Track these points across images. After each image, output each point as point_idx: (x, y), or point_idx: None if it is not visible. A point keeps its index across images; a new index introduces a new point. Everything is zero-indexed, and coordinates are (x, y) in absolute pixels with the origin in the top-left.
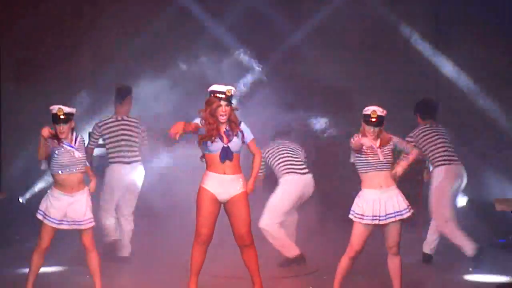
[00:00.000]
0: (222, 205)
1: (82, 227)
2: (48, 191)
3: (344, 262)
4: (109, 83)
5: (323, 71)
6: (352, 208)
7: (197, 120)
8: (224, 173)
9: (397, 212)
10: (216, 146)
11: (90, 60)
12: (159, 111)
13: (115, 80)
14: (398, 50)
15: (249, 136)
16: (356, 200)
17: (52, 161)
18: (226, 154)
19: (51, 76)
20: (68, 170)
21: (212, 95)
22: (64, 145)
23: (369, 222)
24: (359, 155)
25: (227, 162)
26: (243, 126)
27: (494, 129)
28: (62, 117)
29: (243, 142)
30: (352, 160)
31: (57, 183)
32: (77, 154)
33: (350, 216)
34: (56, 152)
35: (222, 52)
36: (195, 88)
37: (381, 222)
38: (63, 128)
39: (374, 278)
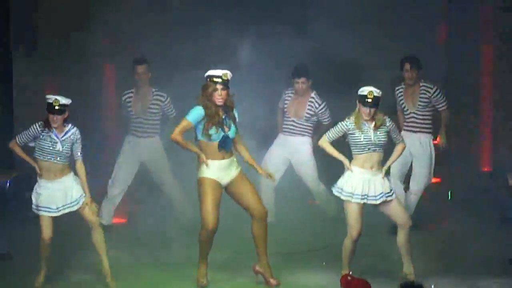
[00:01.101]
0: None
1: (75, 208)
2: (35, 186)
3: (347, 245)
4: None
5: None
6: (339, 186)
7: (187, 118)
8: (223, 158)
9: (386, 193)
10: (217, 135)
11: (106, 34)
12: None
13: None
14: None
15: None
16: (346, 178)
17: (36, 143)
18: (226, 143)
19: (65, 51)
20: (47, 158)
21: (208, 80)
22: (51, 133)
23: (359, 201)
24: (353, 136)
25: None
26: (236, 111)
27: None
28: (56, 107)
29: (237, 127)
30: (346, 139)
31: (40, 170)
32: (59, 146)
33: (336, 193)
34: (42, 136)
35: (228, 28)
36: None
37: (369, 202)
38: (56, 118)
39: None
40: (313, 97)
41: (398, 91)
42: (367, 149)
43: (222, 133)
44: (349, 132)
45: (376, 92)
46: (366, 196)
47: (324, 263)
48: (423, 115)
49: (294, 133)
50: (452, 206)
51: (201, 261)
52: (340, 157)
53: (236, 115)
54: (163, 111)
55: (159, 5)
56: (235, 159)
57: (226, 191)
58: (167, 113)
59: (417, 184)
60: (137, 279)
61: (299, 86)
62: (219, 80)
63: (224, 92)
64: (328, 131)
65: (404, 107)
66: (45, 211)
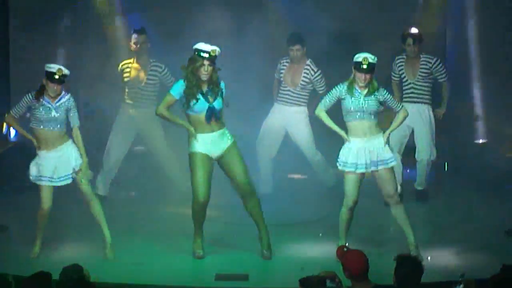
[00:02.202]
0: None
1: (70, 180)
2: (35, 158)
3: (343, 214)
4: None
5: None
6: (339, 157)
7: (170, 92)
8: (213, 131)
9: (383, 160)
10: (201, 106)
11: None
12: None
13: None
14: None
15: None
16: (342, 149)
17: (31, 115)
18: (212, 113)
19: (58, 25)
20: (43, 126)
21: (196, 53)
22: (43, 101)
23: (352, 170)
24: (344, 102)
25: (213, 120)
26: (223, 85)
27: None
28: (57, 77)
29: (224, 100)
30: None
31: (37, 140)
32: (54, 113)
33: (340, 168)
34: (35, 105)
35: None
36: None
37: (367, 170)
38: (57, 87)
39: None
40: (308, 65)
41: (398, 61)
42: (356, 116)
43: (207, 104)
44: (341, 97)
45: (371, 58)
46: (355, 165)
47: (320, 234)
48: (422, 85)
49: (290, 102)
50: (448, 177)
51: (196, 233)
52: (336, 128)
53: (223, 87)
54: (161, 81)
55: None
56: (226, 132)
57: (218, 163)
58: (166, 84)
59: (423, 154)
60: (132, 252)
61: (294, 53)
62: (207, 55)
63: (210, 68)
64: (323, 99)
65: (404, 78)
66: (48, 180)
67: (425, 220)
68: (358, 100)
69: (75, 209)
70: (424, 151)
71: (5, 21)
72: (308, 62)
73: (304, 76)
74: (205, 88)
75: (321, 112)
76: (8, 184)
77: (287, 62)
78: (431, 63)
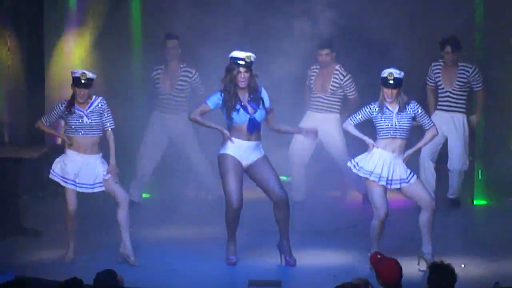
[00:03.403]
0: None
1: (89, 191)
2: (61, 155)
3: (375, 225)
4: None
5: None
6: (358, 163)
7: (207, 101)
8: (249, 140)
9: (402, 179)
10: (242, 118)
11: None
12: None
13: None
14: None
15: (268, 101)
16: (367, 156)
17: (65, 123)
18: (254, 125)
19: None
20: (76, 133)
21: (231, 62)
22: (74, 109)
23: (376, 180)
24: (376, 120)
25: (255, 131)
26: (264, 92)
27: None
28: (83, 81)
29: (265, 109)
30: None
31: (70, 143)
32: (86, 119)
33: (354, 170)
34: (66, 114)
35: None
36: None
37: (392, 186)
38: (83, 92)
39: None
40: (337, 69)
41: (435, 68)
42: (389, 133)
43: (248, 115)
44: (373, 116)
45: (397, 73)
46: (385, 179)
47: (352, 241)
48: (458, 94)
49: (321, 109)
50: (481, 185)
51: (229, 239)
52: (363, 136)
53: (265, 97)
54: (192, 87)
55: None
56: (261, 145)
57: (248, 173)
58: (196, 89)
59: (456, 164)
60: (165, 258)
61: (322, 58)
62: (242, 62)
63: (247, 75)
64: (353, 114)
65: (440, 85)
66: (70, 184)
67: (456, 228)
68: (390, 118)
69: (107, 214)
70: (458, 161)
71: (40, 26)
72: (337, 67)
73: (333, 81)
74: (245, 98)
75: (348, 125)
76: (43, 190)
77: (316, 68)
78: (469, 72)
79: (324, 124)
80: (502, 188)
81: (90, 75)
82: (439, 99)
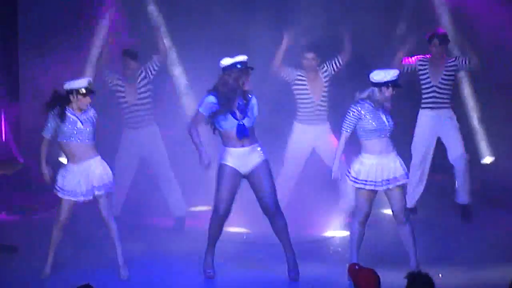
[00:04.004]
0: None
1: (91, 196)
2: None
3: (354, 229)
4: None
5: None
6: (349, 170)
7: (200, 110)
8: (243, 146)
9: (394, 178)
10: (230, 124)
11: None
12: None
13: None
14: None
15: (256, 112)
16: (354, 163)
17: (58, 130)
18: (242, 131)
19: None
20: (70, 139)
21: (229, 69)
22: (68, 114)
23: (363, 186)
24: (363, 123)
25: (245, 137)
26: (254, 98)
27: None
28: (89, 90)
29: (254, 114)
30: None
31: (65, 154)
32: (79, 124)
33: (346, 177)
34: (61, 120)
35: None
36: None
37: (376, 188)
38: (89, 100)
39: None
40: (323, 72)
41: (420, 64)
42: (377, 135)
43: (236, 121)
44: (360, 118)
45: (393, 73)
46: (373, 183)
47: (331, 252)
48: (445, 88)
49: (315, 119)
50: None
51: (208, 249)
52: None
53: (254, 104)
54: (149, 75)
55: None
56: (258, 148)
57: (248, 180)
58: (151, 71)
59: (459, 160)
60: (147, 272)
61: (308, 63)
62: (243, 66)
63: (248, 77)
64: (343, 124)
65: (426, 81)
66: (69, 194)
67: (433, 238)
68: (380, 119)
69: (88, 227)
70: (459, 156)
71: (15, 40)
72: (317, 68)
73: (325, 80)
74: (236, 103)
75: (342, 141)
76: (18, 205)
77: (302, 76)
78: (454, 62)
79: (319, 132)
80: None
81: (91, 79)
82: (425, 95)
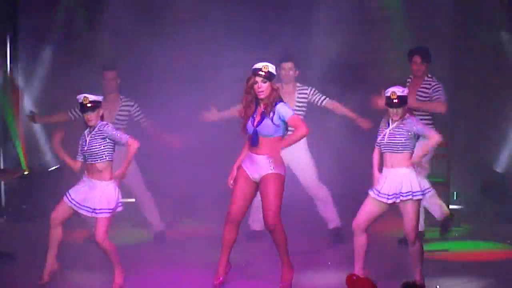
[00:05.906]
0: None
1: (89, 214)
2: None
3: (355, 238)
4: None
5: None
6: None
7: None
8: (256, 153)
9: (399, 194)
10: (248, 130)
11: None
12: None
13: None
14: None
15: (286, 113)
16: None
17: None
18: (253, 138)
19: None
20: (82, 159)
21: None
22: (84, 133)
23: (371, 194)
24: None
25: (258, 145)
26: (280, 106)
27: None
28: (89, 105)
29: (275, 124)
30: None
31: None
32: (86, 147)
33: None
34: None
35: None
36: None
37: (378, 198)
38: (90, 116)
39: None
40: (298, 85)
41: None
42: (383, 149)
43: (252, 127)
44: (378, 130)
45: (400, 91)
46: (377, 192)
47: (329, 263)
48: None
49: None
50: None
51: (221, 255)
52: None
53: (279, 107)
54: (132, 118)
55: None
56: (270, 160)
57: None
58: (139, 120)
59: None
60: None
61: (285, 73)
62: (260, 72)
63: (264, 85)
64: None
65: None
66: (70, 200)
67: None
68: (383, 133)
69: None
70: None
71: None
72: (298, 84)
73: (298, 96)
74: (260, 110)
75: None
76: (17, 213)
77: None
78: (431, 85)
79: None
80: None
81: (92, 97)
82: None
